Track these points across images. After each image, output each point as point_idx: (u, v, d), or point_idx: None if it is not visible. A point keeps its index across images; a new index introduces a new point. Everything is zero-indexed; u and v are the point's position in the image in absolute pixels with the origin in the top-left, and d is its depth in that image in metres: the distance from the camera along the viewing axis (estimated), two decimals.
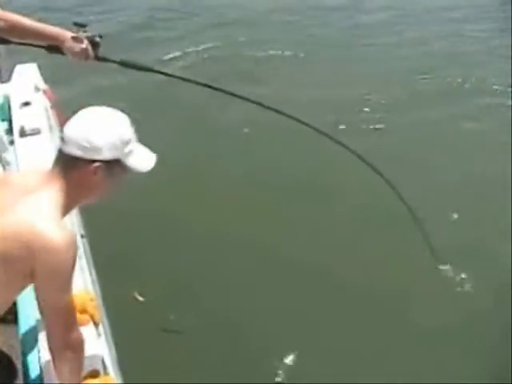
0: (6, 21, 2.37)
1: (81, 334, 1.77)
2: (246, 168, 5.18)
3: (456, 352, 3.62)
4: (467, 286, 4.06)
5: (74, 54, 2.43)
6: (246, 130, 5.79)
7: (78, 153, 1.66)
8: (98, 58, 2.50)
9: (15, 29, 2.38)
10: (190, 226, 4.43)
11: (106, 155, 1.68)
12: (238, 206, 4.67)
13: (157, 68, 2.72)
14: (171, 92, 5.79)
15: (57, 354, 1.74)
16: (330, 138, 2.78)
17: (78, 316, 2.19)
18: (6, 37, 2.42)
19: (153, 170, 1.80)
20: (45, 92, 3.57)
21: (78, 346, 1.75)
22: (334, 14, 9.39)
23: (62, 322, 1.70)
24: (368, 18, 9.13)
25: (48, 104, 3.55)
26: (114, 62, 2.57)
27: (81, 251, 2.52)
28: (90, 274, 2.46)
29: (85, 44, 2.42)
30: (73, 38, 2.40)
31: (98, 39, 2.47)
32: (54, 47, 2.45)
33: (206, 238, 4.33)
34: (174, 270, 4.04)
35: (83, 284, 2.33)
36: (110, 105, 1.78)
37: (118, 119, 1.74)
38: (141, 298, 3.77)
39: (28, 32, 2.42)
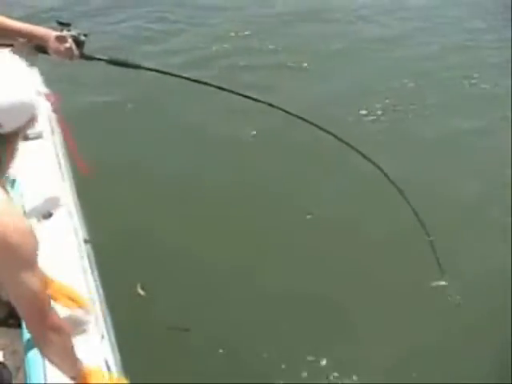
0: None
1: (60, 317, 1.73)
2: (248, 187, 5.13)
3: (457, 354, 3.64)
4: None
5: (59, 53, 2.42)
6: (248, 143, 5.75)
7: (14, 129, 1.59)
8: (83, 57, 2.49)
9: (1, 30, 2.38)
10: (191, 226, 4.45)
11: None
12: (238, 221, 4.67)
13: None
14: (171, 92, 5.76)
15: (41, 343, 1.70)
16: (351, 146, 2.78)
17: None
18: None
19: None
20: (46, 96, 3.57)
21: (60, 328, 1.70)
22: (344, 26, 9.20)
23: (37, 307, 1.63)
24: (382, 30, 8.95)
25: (49, 108, 3.56)
26: (100, 59, 2.57)
27: (85, 256, 2.53)
28: (94, 279, 2.48)
29: (69, 43, 2.41)
30: (57, 37, 2.40)
31: (83, 38, 2.47)
32: (39, 47, 2.44)
33: (211, 237, 4.36)
34: (180, 272, 4.07)
35: (86, 288, 2.35)
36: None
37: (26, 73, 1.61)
38: (142, 292, 3.79)
39: (14, 33, 2.41)
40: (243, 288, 3.98)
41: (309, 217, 4.72)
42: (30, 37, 2.44)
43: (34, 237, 1.60)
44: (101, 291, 2.47)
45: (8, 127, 1.56)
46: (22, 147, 3.14)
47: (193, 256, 4.16)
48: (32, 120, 1.63)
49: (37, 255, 1.61)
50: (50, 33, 2.42)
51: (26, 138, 3.27)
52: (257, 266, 4.16)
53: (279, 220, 4.65)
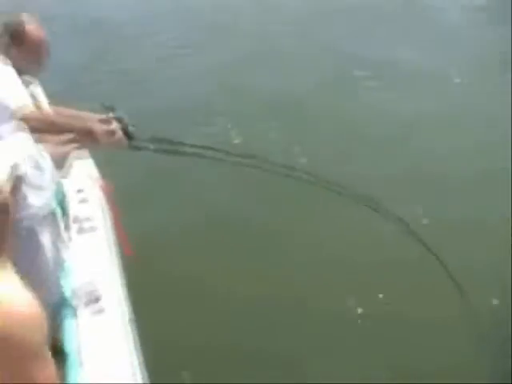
0: (41, 121, 2.45)
1: None
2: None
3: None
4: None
5: (108, 144, 2.43)
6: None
7: None
8: (131, 147, 2.49)
9: (51, 128, 2.46)
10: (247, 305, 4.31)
11: None
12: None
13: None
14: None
15: None
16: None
17: None
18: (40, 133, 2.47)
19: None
20: (100, 186, 3.68)
21: None
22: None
23: None
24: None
25: (103, 199, 3.65)
26: (148, 149, 2.55)
27: (129, 335, 2.49)
28: (138, 360, 2.42)
29: (118, 134, 2.44)
30: (106, 130, 2.42)
31: (131, 128, 2.48)
32: (87, 139, 2.48)
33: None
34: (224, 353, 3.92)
35: (131, 369, 2.29)
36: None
37: None
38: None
39: (63, 129, 2.48)
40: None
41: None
42: (78, 130, 2.49)
43: (41, 328, 1.42)
44: (145, 374, 2.40)
45: None
46: (79, 240, 3.24)
47: (244, 346, 4.02)
48: None
49: (45, 349, 1.43)
50: (98, 125, 2.43)
51: (81, 231, 3.35)
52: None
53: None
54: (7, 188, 1.40)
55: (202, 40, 9.62)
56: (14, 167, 1.45)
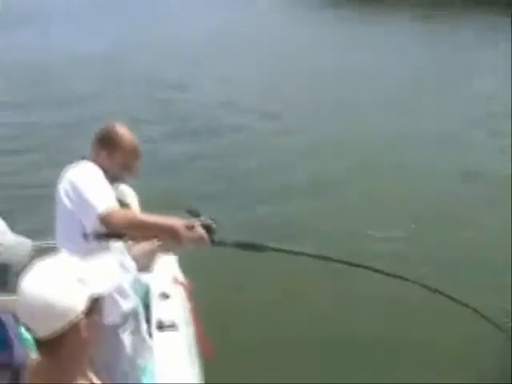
0: (125, 219, 2.48)
1: None
2: None
3: None
4: None
5: (190, 243, 2.43)
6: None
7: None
8: (213, 243, 2.48)
9: (134, 227, 2.50)
10: None
11: None
12: None
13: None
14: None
15: None
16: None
17: None
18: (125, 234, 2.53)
19: None
20: (183, 285, 3.71)
21: None
22: None
23: None
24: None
25: (185, 298, 3.66)
26: (232, 246, 2.50)
27: None
28: None
29: (200, 231, 2.41)
30: (187, 227, 2.39)
31: (214, 226, 2.48)
32: (170, 239, 2.49)
33: None
34: None
35: None
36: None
37: None
38: None
39: (146, 229, 2.52)
40: None
41: None
42: (161, 230, 2.48)
43: None
44: None
45: (41, 332, 1.47)
46: (159, 337, 3.24)
47: None
48: (68, 324, 1.47)
49: None
50: (179, 224, 2.41)
51: (162, 328, 3.35)
52: None
53: None
54: (81, 316, 1.46)
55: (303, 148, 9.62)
56: (92, 296, 1.50)
